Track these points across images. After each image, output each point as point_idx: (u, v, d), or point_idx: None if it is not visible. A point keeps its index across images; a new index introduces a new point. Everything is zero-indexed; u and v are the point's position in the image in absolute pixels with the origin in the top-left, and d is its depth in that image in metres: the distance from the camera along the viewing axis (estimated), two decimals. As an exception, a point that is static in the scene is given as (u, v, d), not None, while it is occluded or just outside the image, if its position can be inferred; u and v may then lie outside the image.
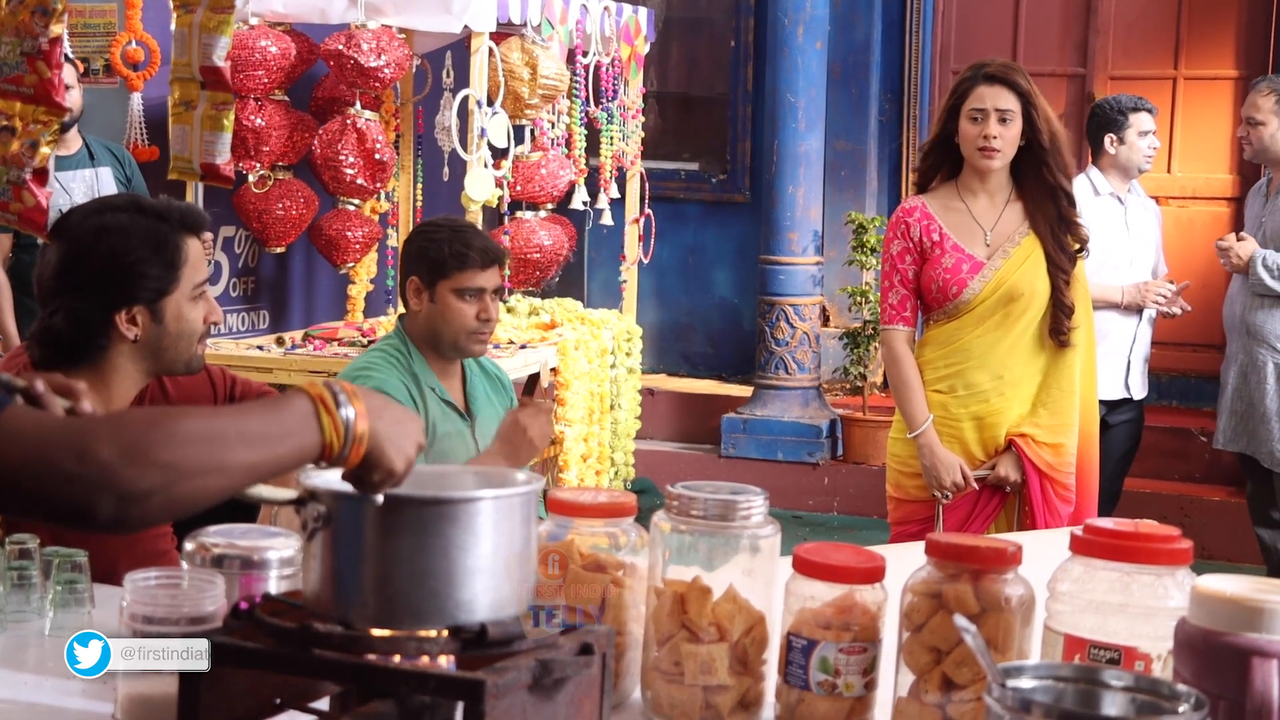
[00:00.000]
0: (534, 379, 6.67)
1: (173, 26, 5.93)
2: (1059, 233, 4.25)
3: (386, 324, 6.44)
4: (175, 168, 6.00)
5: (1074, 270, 4.28)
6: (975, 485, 4.27)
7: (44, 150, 4.48)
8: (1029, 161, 4.25)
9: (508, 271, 6.81)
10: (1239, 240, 5.79)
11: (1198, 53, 8.94)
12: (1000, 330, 4.25)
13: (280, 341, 6.17)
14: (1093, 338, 4.46)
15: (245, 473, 1.62)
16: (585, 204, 7.25)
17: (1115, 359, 5.80)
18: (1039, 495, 4.24)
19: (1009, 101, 4.18)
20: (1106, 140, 5.95)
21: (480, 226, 6.00)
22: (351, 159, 6.46)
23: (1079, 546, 1.95)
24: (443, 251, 3.96)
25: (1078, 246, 4.29)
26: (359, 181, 6.52)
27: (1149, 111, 5.98)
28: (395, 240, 7.12)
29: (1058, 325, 4.25)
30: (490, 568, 1.68)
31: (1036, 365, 4.28)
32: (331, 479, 1.74)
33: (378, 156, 6.48)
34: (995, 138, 4.18)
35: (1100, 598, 1.91)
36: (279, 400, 1.70)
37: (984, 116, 4.18)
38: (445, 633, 1.66)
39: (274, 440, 1.64)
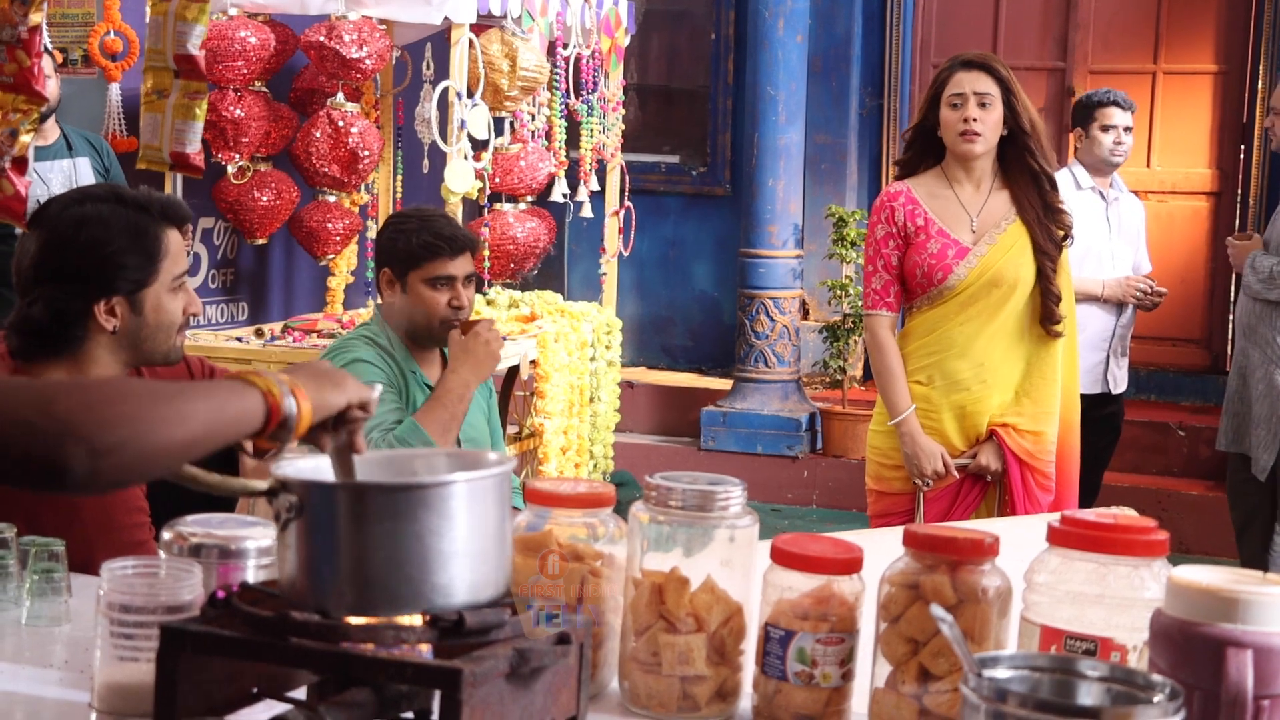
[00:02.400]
0: (514, 371, 6.70)
1: (147, 14, 5.90)
2: (1045, 220, 4.26)
3: (365, 315, 6.43)
4: (144, 156, 5.96)
5: (1060, 258, 4.29)
6: (956, 474, 4.27)
7: (23, 139, 4.47)
8: (1012, 150, 4.26)
9: (488, 263, 6.80)
10: (1244, 240, 5.74)
11: (1177, 47, 8.96)
12: (983, 318, 4.25)
13: (259, 333, 6.16)
14: (1074, 327, 4.46)
15: (202, 425, 1.65)
16: (565, 196, 7.25)
17: (1095, 353, 5.81)
18: (1019, 484, 4.25)
19: (987, 85, 4.19)
20: (1075, 134, 5.96)
21: (460, 218, 6.00)
22: (326, 151, 6.44)
23: (1056, 538, 1.95)
24: (411, 242, 3.97)
25: (1062, 234, 4.30)
26: (333, 173, 6.50)
27: (1117, 105, 5.95)
28: (375, 232, 7.11)
29: (1048, 314, 4.25)
30: (466, 551, 1.68)
31: (1017, 353, 4.29)
32: (304, 467, 1.74)
33: (350, 147, 6.45)
34: (975, 120, 4.18)
35: (1077, 589, 1.91)
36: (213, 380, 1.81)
37: (963, 102, 4.19)
38: (423, 621, 1.66)
39: (220, 398, 1.70)
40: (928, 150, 4.36)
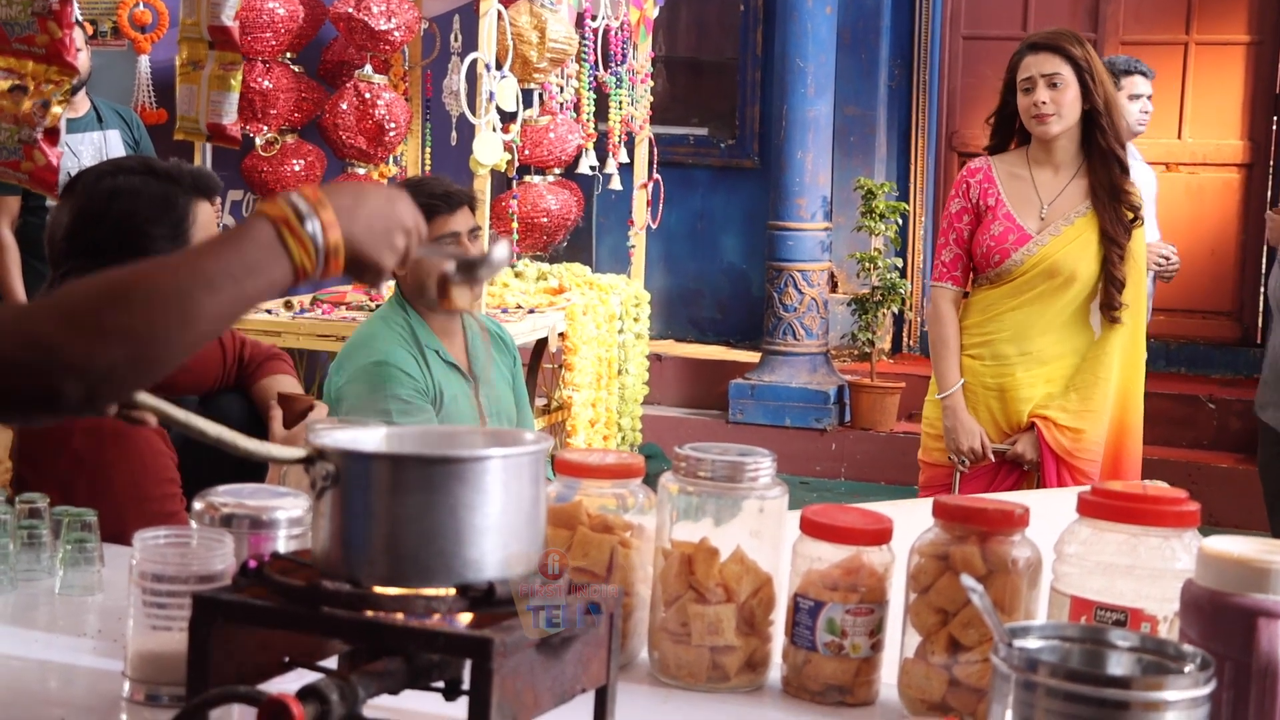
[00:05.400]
0: (542, 343, 6.71)
1: (180, -15, 5.93)
2: (1115, 204, 4.25)
3: (393, 287, 6.43)
4: (181, 128, 6.00)
5: (1129, 245, 4.26)
6: (992, 457, 4.28)
7: (55, 110, 4.48)
8: (1089, 129, 4.26)
9: (515, 235, 6.80)
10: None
11: (1209, 17, 8.90)
12: (1037, 305, 4.26)
13: (288, 305, 6.18)
14: (1141, 324, 4.41)
15: (213, 321, 1.51)
16: (593, 169, 7.24)
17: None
18: (1055, 480, 4.24)
19: (1055, 65, 4.19)
20: None
21: (488, 191, 6.00)
22: (352, 123, 6.44)
23: (1086, 509, 1.95)
24: None
25: (1131, 216, 4.28)
26: (359, 145, 6.50)
27: (1144, 75, 5.90)
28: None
29: (1109, 300, 4.24)
30: (498, 526, 1.68)
31: (1069, 346, 4.28)
32: (341, 438, 1.74)
33: (375, 119, 6.44)
34: (1046, 103, 4.19)
35: (1107, 560, 1.91)
36: (239, 231, 1.57)
37: (1033, 86, 4.21)
38: (454, 591, 1.66)
39: (239, 278, 1.53)
40: (1010, 134, 4.39)
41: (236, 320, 1.55)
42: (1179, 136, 8.91)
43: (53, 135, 4.54)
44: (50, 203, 5.08)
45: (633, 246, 7.77)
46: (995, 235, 4.27)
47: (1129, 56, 6.08)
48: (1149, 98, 5.91)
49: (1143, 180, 6.03)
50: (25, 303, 1.56)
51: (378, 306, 5.68)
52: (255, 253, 1.55)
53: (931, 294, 4.43)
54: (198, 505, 2.05)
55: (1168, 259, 5.84)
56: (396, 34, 6.26)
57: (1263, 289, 8.53)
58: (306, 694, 1.53)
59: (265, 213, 1.57)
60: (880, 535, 2.00)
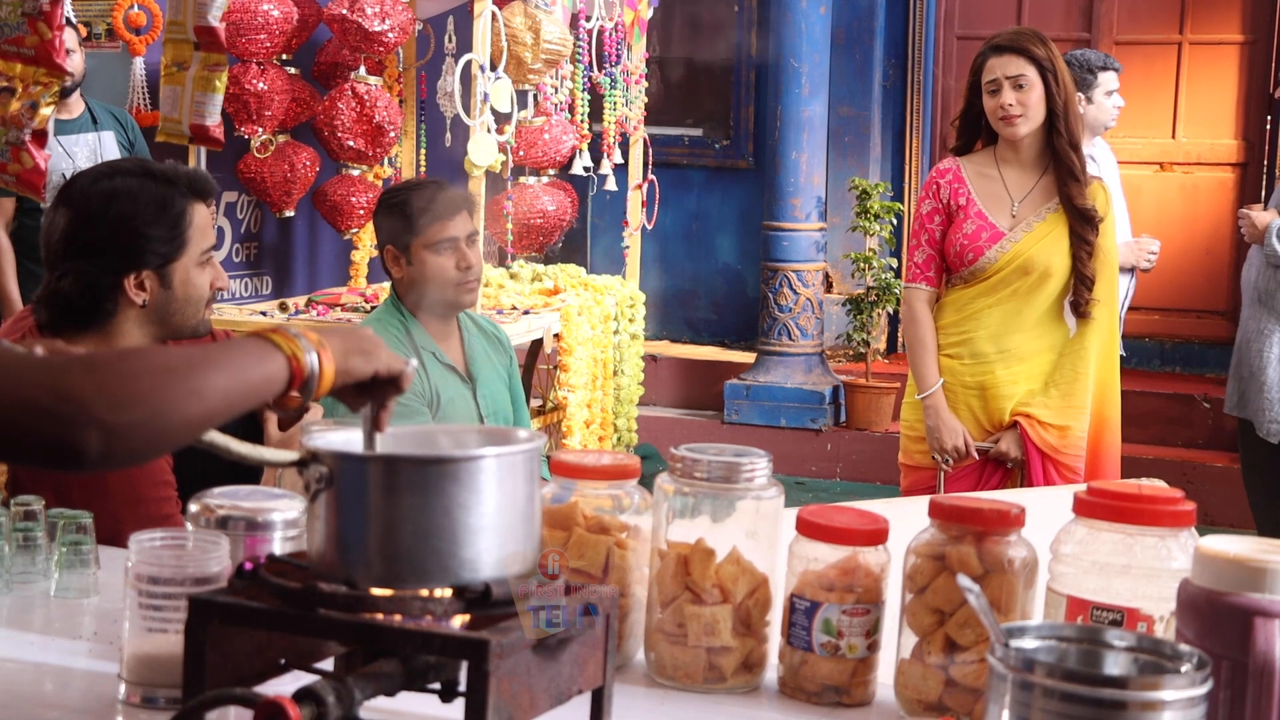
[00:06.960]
0: (537, 344, 6.70)
1: (168, -14, 5.91)
2: (1077, 201, 4.26)
3: (388, 289, 6.43)
4: (164, 129, 5.96)
5: (1098, 242, 4.27)
6: (976, 455, 4.28)
7: (44, 112, 4.48)
8: (1051, 129, 4.27)
9: (510, 236, 6.80)
10: (1262, 210, 5.77)
11: (1204, 17, 8.91)
12: (1013, 303, 4.27)
13: (284, 307, 6.17)
14: (1114, 320, 4.43)
15: (219, 398, 1.61)
16: (588, 169, 7.23)
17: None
18: (1040, 477, 4.25)
19: (1020, 67, 4.20)
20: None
21: (483, 192, 6.00)
22: (350, 124, 6.44)
23: (1082, 508, 1.95)
24: (406, 212, 3.96)
25: (1093, 213, 4.29)
26: (357, 147, 6.50)
27: (1116, 70, 5.94)
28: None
29: (1079, 297, 4.26)
30: (494, 526, 1.68)
31: (1047, 343, 4.29)
32: (334, 439, 1.74)
33: (376, 120, 6.45)
34: (1012, 105, 4.21)
35: (1103, 559, 1.91)
36: (238, 338, 1.75)
37: (999, 87, 4.22)
38: (450, 592, 1.66)
39: (242, 364, 1.67)
40: (977, 133, 4.39)
41: (240, 409, 1.67)
42: (1173, 136, 8.92)
43: (40, 137, 4.53)
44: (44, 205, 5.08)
45: (627, 247, 7.76)
46: (968, 234, 4.29)
47: (1101, 53, 6.08)
48: (1119, 91, 5.95)
49: (1110, 169, 6.03)
50: (45, 355, 1.67)
51: (373, 309, 5.68)
52: (254, 346, 1.70)
53: (905, 296, 4.44)
54: (193, 507, 2.05)
55: (1155, 253, 5.87)
56: (390, 35, 6.26)
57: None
58: (303, 696, 1.53)
59: (257, 333, 1.74)
60: (876, 535, 2.00)
